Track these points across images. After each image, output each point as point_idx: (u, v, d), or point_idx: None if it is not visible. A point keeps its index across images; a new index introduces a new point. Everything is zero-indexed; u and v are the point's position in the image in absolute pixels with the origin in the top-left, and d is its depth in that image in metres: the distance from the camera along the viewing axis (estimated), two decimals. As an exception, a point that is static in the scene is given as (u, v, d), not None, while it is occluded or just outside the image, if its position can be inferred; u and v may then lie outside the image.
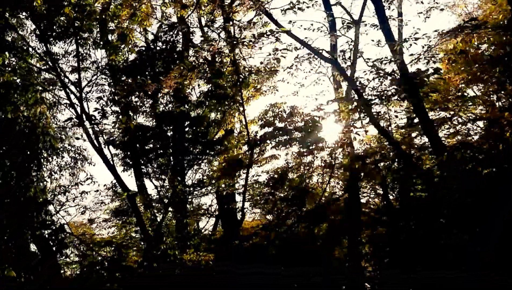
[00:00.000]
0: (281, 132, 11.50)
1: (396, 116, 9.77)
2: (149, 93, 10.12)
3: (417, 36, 8.70)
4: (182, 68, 9.45)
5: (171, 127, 12.29)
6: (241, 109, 10.69)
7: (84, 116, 10.47)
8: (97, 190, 11.44)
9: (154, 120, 12.39)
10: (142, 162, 12.55)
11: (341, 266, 17.62)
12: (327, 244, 16.00)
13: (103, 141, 10.93)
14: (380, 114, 9.21)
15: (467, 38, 8.57)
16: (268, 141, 11.57)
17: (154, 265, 10.85)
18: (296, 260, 15.13)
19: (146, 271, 11.13)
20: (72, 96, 10.47)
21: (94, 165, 11.95)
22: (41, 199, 10.20)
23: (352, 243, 16.55)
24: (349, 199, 14.97)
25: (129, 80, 10.26)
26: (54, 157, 11.60)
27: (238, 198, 17.43)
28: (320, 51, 9.48)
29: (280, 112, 11.37)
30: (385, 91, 8.74)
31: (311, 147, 12.41)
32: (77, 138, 11.33)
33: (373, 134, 13.27)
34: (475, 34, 8.57)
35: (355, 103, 9.73)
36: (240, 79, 10.10)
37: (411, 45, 8.83)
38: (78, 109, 10.50)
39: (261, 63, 10.09)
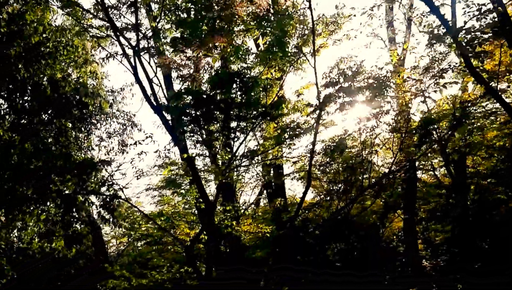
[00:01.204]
0: (345, 92, 10.43)
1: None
2: (238, 15, 8.99)
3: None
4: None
5: (222, 90, 11.35)
6: (311, 62, 9.61)
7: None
8: (157, 150, 10.70)
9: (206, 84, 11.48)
10: (191, 128, 11.75)
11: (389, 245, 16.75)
12: (381, 222, 15.07)
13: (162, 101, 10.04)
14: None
15: None
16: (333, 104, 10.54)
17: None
18: (348, 238, 14.32)
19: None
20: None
21: (144, 132, 11.22)
22: (95, 160, 9.49)
23: (408, 219, 15.51)
24: (409, 171, 13.86)
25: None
26: (103, 123, 10.96)
27: (286, 170, 16.63)
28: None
29: (346, 70, 10.27)
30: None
31: (376, 110, 11.33)
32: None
33: (447, 95, 12.05)
34: None
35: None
36: (314, 25, 9.02)
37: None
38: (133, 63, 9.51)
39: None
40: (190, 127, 11.42)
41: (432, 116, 11.51)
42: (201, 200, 11.38)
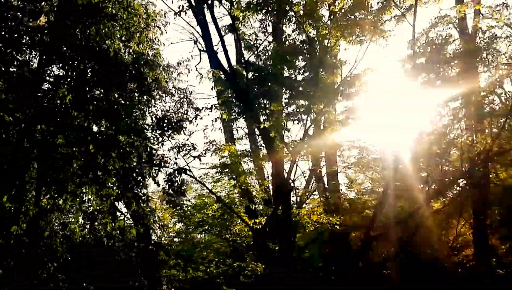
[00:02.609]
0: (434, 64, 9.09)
1: None
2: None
3: None
4: None
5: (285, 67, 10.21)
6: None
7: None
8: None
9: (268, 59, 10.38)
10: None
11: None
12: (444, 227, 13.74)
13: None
14: None
15: None
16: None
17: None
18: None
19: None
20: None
21: (200, 112, 10.17)
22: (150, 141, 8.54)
23: (479, 225, 14.04)
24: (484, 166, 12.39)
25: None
26: (158, 100, 10.03)
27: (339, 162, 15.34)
28: None
29: (435, 37, 8.93)
30: None
31: (462, 89, 9.93)
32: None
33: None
34: None
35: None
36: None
37: None
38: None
39: None
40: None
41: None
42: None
